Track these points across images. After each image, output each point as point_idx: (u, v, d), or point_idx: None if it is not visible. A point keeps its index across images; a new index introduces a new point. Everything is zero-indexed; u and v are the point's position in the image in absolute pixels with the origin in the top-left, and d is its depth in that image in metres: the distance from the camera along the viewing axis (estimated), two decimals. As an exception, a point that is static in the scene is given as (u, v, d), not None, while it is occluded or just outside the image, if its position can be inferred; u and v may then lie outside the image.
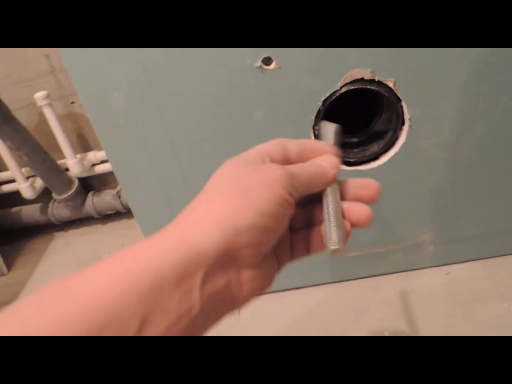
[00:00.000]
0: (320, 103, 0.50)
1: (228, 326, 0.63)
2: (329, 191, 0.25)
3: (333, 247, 0.23)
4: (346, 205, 0.25)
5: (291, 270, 0.63)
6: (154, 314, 0.17)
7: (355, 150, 0.56)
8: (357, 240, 0.60)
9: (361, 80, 0.48)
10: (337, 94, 0.49)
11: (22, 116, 0.98)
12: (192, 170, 0.55)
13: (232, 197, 0.21)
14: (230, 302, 0.21)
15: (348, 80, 0.48)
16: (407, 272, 0.63)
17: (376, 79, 0.48)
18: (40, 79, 0.97)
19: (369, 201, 0.26)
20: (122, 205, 0.98)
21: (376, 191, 0.26)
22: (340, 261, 0.63)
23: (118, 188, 0.98)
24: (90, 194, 0.99)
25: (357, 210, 0.25)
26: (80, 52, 0.47)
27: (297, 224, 0.27)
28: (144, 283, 0.17)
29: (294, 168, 0.24)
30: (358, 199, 0.26)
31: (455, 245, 0.60)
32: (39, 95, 0.87)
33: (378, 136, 0.55)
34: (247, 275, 0.21)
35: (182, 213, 0.23)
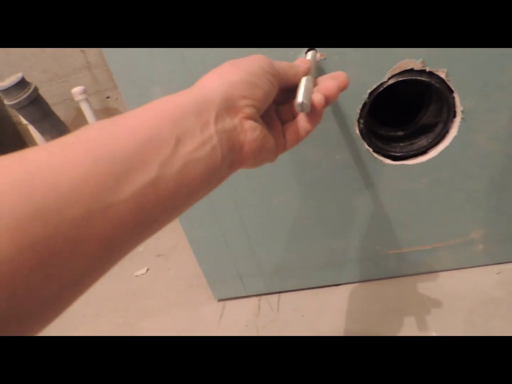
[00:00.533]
0: (366, 96, 0.48)
1: (267, 321, 0.62)
2: (304, 78, 0.34)
3: (298, 101, 0.31)
4: (320, 83, 0.34)
5: (333, 266, 0.61)
6: (184, 137, 0.23)
7: (401, 144, 0.53)
8: (402, 237, 0.58)
9: (411, 71, 0.46)
10: (384, 86, 0.47)
11: (60, 111, 1.00)
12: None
13: (227, 67, 0.29)
14: (239, 146, 0.27)
15: (396, 71, 0.46)
16: (453, 271, 0.60)
17: (427, 70, 0.46)
18: (76, 74, 0.98)
19: (341, 87, 0.34)
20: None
21: (345, 77, 0.35)
22: (384, 258, 0.61)
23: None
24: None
25: (328, 83, 0.33)
26: (123, 50, 0.47)
27: (286, 117, 0.34)
28: (174, 114, 0.23)
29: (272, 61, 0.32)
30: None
31: (507, 244, 0.57)
32: (76, 90, 0.89)
33: (426, 129, 0.53)
34: (248, 125, 0.27)
35: (191, 87, 0.28)
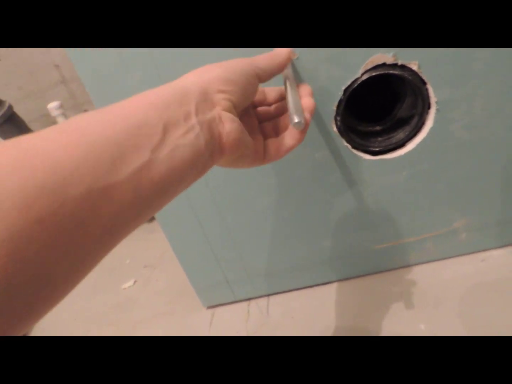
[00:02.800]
0: (341, 93, 0.48)
1: (257, 326, 0.62)
2: (288, 87, 0.35)
3: (295, 120, 0.32)
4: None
5: (320, 265, 0.61)
6: (170, 124, 0.24)
7: (379, 139, 0.54)
8: (387, 231, 0.58)
9: (383, 65, 0.46)
10: (359, 82, 0.47)
11: (37, 128, 0.98)
12: (212, 170, 0.54)
13: (206, 66, 0.30)
14: (218, 136, 0.28)
15: (369, 66, 0.46)
16: (439, 261, 0.61)
17: (399, 63, 0.46)
18: (52, 89, 0.97)
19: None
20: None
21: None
22: (372, 253, 0.61)
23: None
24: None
25: (307, 100, 0.35)
26: (93, 59, 0.46)
27: (269, 134, 0.36)
28: (158, 104, 0.24)
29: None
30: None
31: (489, 231, 0.57)
32: (52, 105, 0.87)
33: (403, 122, 0.53)
34: (225, 116, 0.28)
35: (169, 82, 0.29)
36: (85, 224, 0.18)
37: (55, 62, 0.97)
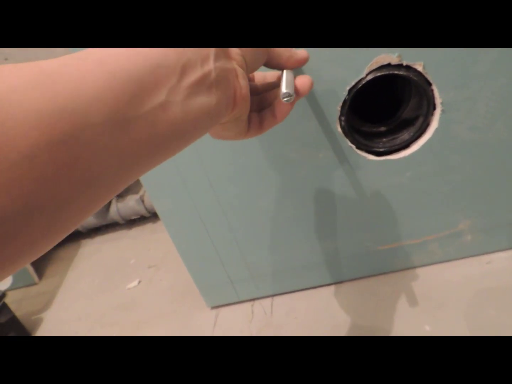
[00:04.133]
0: (345, 93, 0.48)
1: (261, 326, 0.62)
2: (285, 71, 0.34)
3: (284, 91, 0.32)
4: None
5: (324, 265, 0.61)
6: (187, 67, 0.24)
7: (383, 140, 0.53)
8: (390, 232, 0.58)
9: (388, 65, 0.46)
10: (363, 82, 0.47)
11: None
12: (215, 170, 0.54)
13: None
14: (233, 89, 0.28)
15: (374, 67, 0.46)
16: (444, 263, 0.60)
17: (404, 64, 0.46)
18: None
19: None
20: (146, 209, 0.98)
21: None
22: (376, 255, 0.60)
23: (141, 192, 0.98)
24: (114, 200, 0.99)
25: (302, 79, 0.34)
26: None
27: (254, 108, 0.36)
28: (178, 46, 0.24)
29: None
30: None
31: (494, 233, 0.57)
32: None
33: (408, 123, 0.53)
34: (240, 72, 0.28)
35: None
36: (103, 153, 0.19)
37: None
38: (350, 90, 0.48)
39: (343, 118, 0.49)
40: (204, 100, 0.25)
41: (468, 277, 0.57)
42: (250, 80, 0.39)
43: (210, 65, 0.26)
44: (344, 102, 0.48)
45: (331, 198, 0.56)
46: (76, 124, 0.17)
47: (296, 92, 0.34)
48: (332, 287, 0.64)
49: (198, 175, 0.54)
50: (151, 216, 1.02)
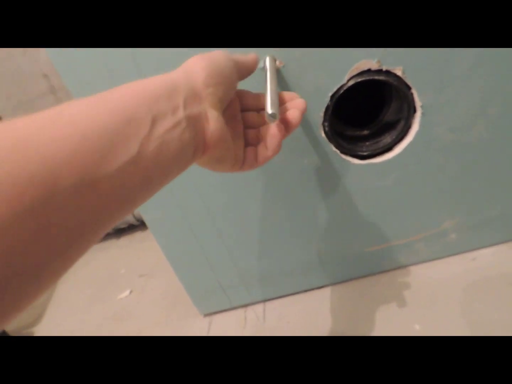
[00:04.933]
0: (327, 99, 0.48)
1: (254, 332, 0.62)
2: (268, 85, 0.36)
3: (268, 111, 0.32)
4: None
5: (313, 269, 0.62)
6: (158, 118, 0.24)
7: (367, 143, 0.54)
8: (377, 233, 0.59)
9: (368, 71, 0.47)
10: (345, 88, 0.48)
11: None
12: (204, 178, 0.54)
13: (192, 59, 0.31)
14: (203, 133, 0.28)
15: (354, 73, 0.47)
16: (431, 262, 0.61)
17: (384, 69, 0.47)
18: (41, 99, 0.97)
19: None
20: (134, 217, 0.98)
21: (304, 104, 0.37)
22: (364, 256, 0.61)
23: (129, 201, 0.98)
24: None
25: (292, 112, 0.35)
26: (79, 68, 0.47)
27: (252, 124, 0.37)
28: (148, 96, 0.25)
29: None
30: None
31: (478, 230, 0.58)
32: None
33: (390, 126, 0.54)
34: (212, 114, 0.29)
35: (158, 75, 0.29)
36: (73, 215, 0.19)
37: (44, 72, 0.97)
38: (332, 96, 0.48)
39: (326, 124, 0.50)
40: (175, 148, 0.25)
41: (454, 274, 0.58)
42: (255, 108, 0.38)
43: (180, 114, 0.26)
44: (327, 108, 0.49)
45: (318, 202, 0.56)
46: (46, 190, 0.17)
47: (288, 125, 0.35)
48: (323, 290, 0.64)
49: (186, 184, 0.54)
50: (140, 225, 1.02)
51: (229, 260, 0.62)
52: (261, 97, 0.39)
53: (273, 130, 0.35)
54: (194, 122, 0.27)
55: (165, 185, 0.26)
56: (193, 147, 0.28)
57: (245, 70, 0.35)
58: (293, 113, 0.35)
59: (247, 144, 0.36)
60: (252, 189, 0.55)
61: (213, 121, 0.29)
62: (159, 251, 0.63)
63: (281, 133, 0.35)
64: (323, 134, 0.51)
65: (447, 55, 0.45)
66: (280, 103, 0.37)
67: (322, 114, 0.49)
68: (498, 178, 0.54)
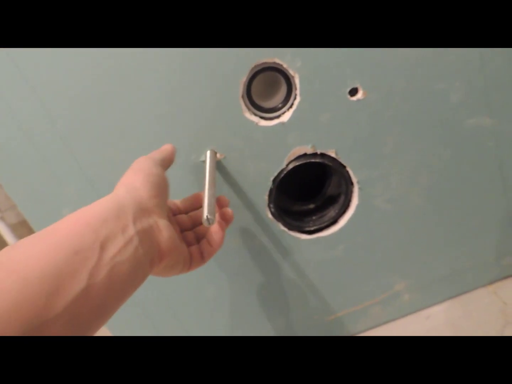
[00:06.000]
0: (270, 183, 0.51)
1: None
2: (206, 187, 0.38)
3: (204, 216, 0.34)
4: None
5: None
6: (107, 242, 0.24)
7: (313, 218, 0.57)
8: (334, 302, 0.60)
9: (305, 155, 0.50)
10: (285, 172, 0.51)
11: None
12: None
13: (129, 174, 0.32)
14: (157, 244, 0.29)
15: (292, 157, 0.50)
16: (388, 324, 0.63)
17: (318, 152, 0.50)
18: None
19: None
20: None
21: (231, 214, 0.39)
22: (324, 325, 0.62)
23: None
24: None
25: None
26: (18, 172, 0.47)
27: (185, 227, 0.39)
28: (95, 222, 0.24)
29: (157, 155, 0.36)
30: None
31: (428, 289, 0.61)
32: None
33: (332, 200, 0.57)
34: (162, 223, 0.30)
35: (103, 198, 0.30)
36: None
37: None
38: (274, 180, 0.51)
39: (271, 205, 0.52)
40: (130, 264, 0.25)
41: (411, 333, 0.60)
42: (178, 212, 0.40)
43: (131, 231, 0.26)
44: (271, 191, 0.51)
45: (273, 279, 0.57)
46: None
47: (227, 220, 0.37)
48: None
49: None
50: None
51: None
52: (188, 199, 0.41)
53: (215, 228, 0.36)
54: (148, 236, 0.27)
55: (124, 302, 0.26)
56: (149, 259, 0.27)
57: (168, 162, 0.38)
58: (229, 211, 0.38)
59: (188, 244, 0.37)
60: (208, 271, 0.55)
61: (165, 230, 0.29)
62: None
63: (223, 229, 0.37)
64: (270, 215, 0.53)
65: (374, 135, 0.49)
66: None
67: (266, 197, 0.52)
68: (437, 242, 0.58)
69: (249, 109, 0.47)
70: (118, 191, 0.30)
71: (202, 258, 0.37)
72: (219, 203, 0.39)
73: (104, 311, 0.23)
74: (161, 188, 0.32)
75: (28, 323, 0.18)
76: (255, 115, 0.47)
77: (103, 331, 0.58)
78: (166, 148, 0.39)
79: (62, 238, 0.23)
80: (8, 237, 0.85)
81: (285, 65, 0.45)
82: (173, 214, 0.39)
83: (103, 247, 0.23)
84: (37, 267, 0.20)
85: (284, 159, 0.50)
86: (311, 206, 0.60)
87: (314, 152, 0.50)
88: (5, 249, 0.22)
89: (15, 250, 0.21)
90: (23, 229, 0.92)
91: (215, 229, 0.36)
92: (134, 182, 0.31)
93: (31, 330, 0.18)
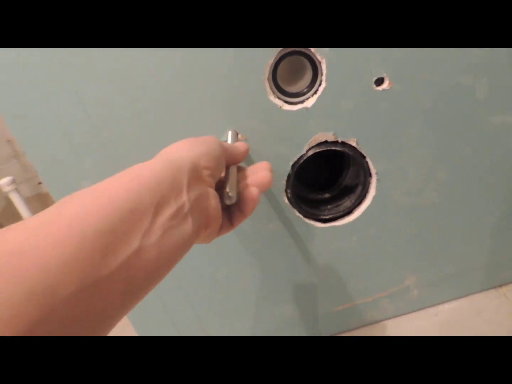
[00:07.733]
0: (289, 168, 0.51)
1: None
2: (230, 169, 0.37)
3: (227, 194, 0.33)
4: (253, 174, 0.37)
5: (284, 330, 0.62)
6: (161, 205, 0.24)
7: (328, 207, 0.57)
8: (344, 293, 0.61)
9: (325, 142, 0.50)
10: (305, 158, 0.51)
11: (-12, 203, 0.96)
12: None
13: (191, 140, 0.32)
14: (206, 212, 0.29)
15: (313, 144, 0.50)
16: (396, 318, 0.63)
17: (339, 140, 0.50)
18: (4, 164, 0.96)
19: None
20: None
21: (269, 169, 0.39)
22: (332, 316, 0.62)
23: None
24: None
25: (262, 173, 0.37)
26: (41, 143, 0.47)
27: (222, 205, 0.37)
28: (151, 182, 0.24)
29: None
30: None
31: (438, 286, 0.61)
32: (4, 181, 0.86)
33: (349, 190, 0.57)
34: (211, 192, 0.30)
35: (158, 154, 0.30)
36: (75, 324, 0.18)
37: (7, 137, 0.96)
38: (293, 165, 0.51)
39: (289, 191, 0.52)
40: (180, 233, 0.25)
41: (418, 330, 0.60)
42: (231, 161, 0.39)
43: (184, 197, 0.26)
44: (289, 176, 0.52)
45: (285, 265, 0.57)
46: (45, 306, 0.16)
47: (246, 196, 0.35)
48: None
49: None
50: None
51: (199, 329, 0.61)
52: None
53: (254, 194, 0.35)
54: (198, 204, 0.27)
55: (173, 267, 0.26)
56: (196, 228, 0.27)
57: (232, 159, 0.37)
58: (268, 175, 0.37)
59: None
60: (221, 254, 0.56)
61: (213, 199, 0.30)
62: (123, 320, 0.61)
63: (257, 197, 0.35)
64: (286, 200, 0.53)
65: (396, 127, 0.49)
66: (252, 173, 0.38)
67: (284, 181, 0.52)
68: (450, 239, 0.57)
69: (273, 92, 0.47)
70: (177, 151, 0.30)
71: (231, 224, 0.36)
72: (259, 166, 0.39)
73: (155, 274, 0.23)
74: (219, 165, 0.32)
75: (85, 276, 0.18)
76: (279, 98, 0.47)
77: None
78: (240, 147, 0.39)
79: (119, 193, 0.22)
80: (22, 209, 0.86)
81: (312, 50, 0.45)
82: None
83: (157, 209, 0.23)
84: (94, 223, 0.20)
85: (304, 145, 0.50)
86: (326, 195, 0.60)
87: (335, 140, 0.50)
88: (62, 201, 0.21)
89: (74, 203, 0.21)
90: (37, 202, 0.94)
91: (254, 196, 0.35)
92: (196, 147, 0.31)
93: (85, 288, 0.18)
